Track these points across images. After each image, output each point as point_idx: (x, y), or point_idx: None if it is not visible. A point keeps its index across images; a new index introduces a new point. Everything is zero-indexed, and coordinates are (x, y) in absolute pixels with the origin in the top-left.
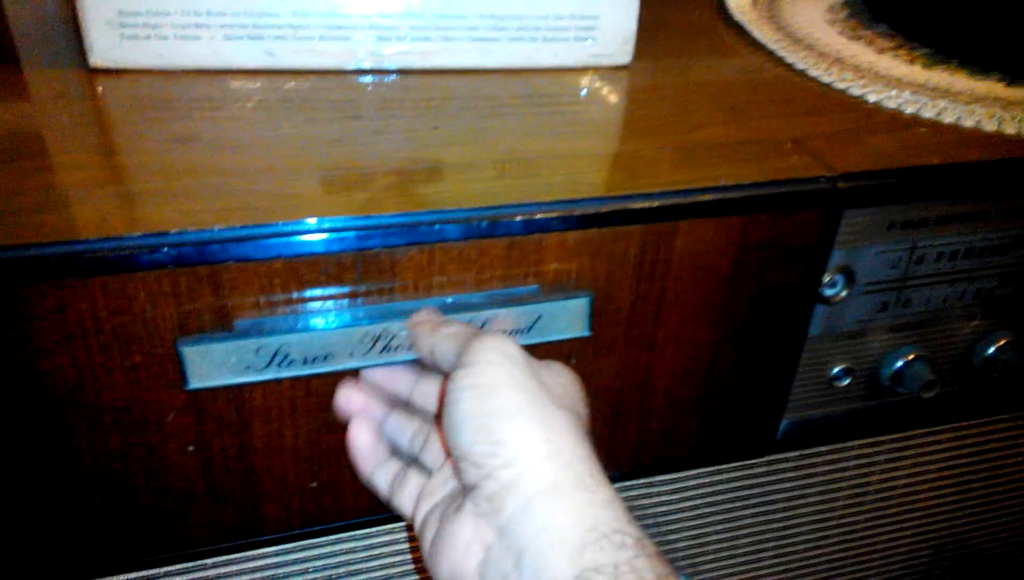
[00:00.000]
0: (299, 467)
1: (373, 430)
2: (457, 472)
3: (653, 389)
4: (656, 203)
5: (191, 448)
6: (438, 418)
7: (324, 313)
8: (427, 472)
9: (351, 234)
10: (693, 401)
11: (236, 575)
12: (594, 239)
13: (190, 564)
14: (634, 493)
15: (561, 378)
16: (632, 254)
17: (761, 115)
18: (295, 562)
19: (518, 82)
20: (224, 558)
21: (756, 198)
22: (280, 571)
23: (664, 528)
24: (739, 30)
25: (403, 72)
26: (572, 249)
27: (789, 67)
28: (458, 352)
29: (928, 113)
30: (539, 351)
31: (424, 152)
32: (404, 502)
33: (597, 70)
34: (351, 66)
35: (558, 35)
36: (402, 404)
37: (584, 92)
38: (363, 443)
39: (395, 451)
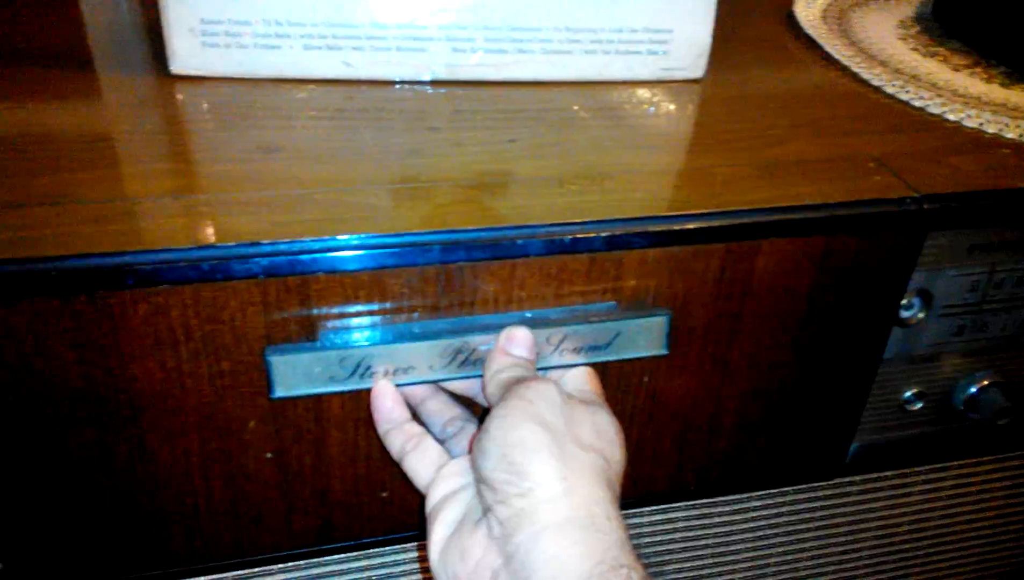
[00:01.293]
0: (371, 477)
1: (393, 394)
2: (479, 494)
3: (724, 408)
4: (741, 221)
5: (269, 455)
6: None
7: (407, 325)
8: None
9: (435, 248)
10: (763, 421)
11: None
12: (675, 256)
13: (258, 570)
14: (694, 512)
15: (598, 420)
16: (712, 272)
17: (840, 131)
18: (359, 570)
19: (591, 95)
20: (292, 564)
21: (842, 218)
22: (345, 578)
23: (723, 549)
24: (810, 43)
25: (477, 83)
26: (652, 266)
27: (864, 83)
28: (503, 392)
29: (1010, 134)
30: (613, 368)
31: (501, 165)
32: (417, 466)
33: (670, 83)
34: (426, 77)
35: (631, 48)
36: (448, 393)
37: (658, 106)
38: (382, 405)
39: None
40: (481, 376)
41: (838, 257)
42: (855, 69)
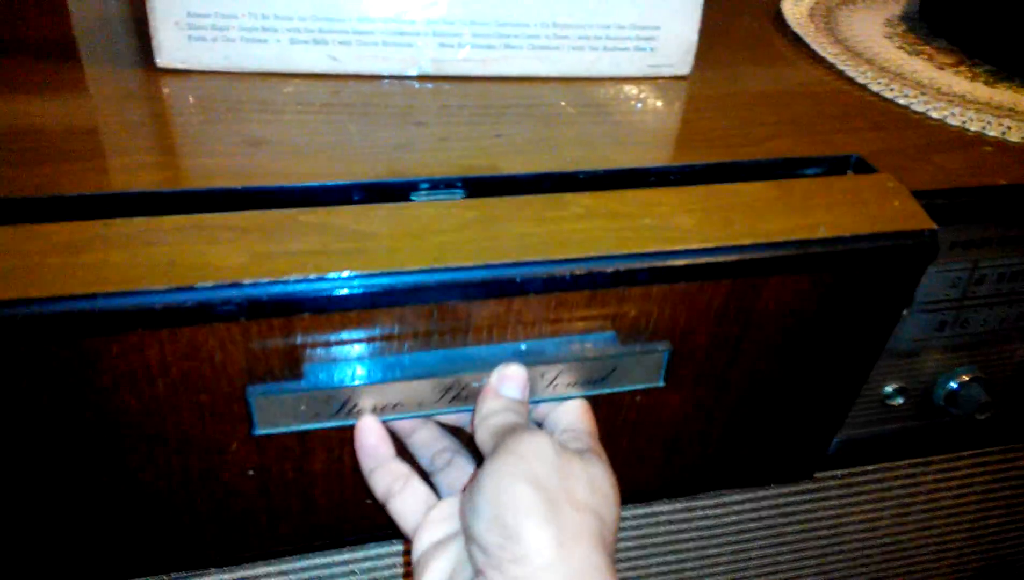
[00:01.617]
0: (356, 488)
1: (379, 431)
2: (469, 554)
3: (715, 419)
4: (752, 256)
5: (251, 472)
6: (464, 491)
7: (396, 359)
8: (438, 492)
9: (431, 288)
10: (753, 427)
11: (286, 574)
12: (678, 289)
13: (247, 564)
14: (678, 506)
15: (593, 474)
16: (716, 304)
17: (826, 129)
18: (343, 563)
19: (578, 91)
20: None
21: (861, 252)
22: (326, 571)
23: (706, 543)
24: (797, 41)
25: (464, 79)
26: (654, 297)
27: (850, 80)
28: (495, 442)
29: (993, 132)
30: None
31: (488, 160)
32: (403, 509)
33: (657, 80)
34: (413, 72)
35: (619, 44)
36: (439, 424)
37: (644, 102)
38: (366, 442)
39: (414, 461)
40: (472, 411)
41: (847, 284)
42: (841, 67)
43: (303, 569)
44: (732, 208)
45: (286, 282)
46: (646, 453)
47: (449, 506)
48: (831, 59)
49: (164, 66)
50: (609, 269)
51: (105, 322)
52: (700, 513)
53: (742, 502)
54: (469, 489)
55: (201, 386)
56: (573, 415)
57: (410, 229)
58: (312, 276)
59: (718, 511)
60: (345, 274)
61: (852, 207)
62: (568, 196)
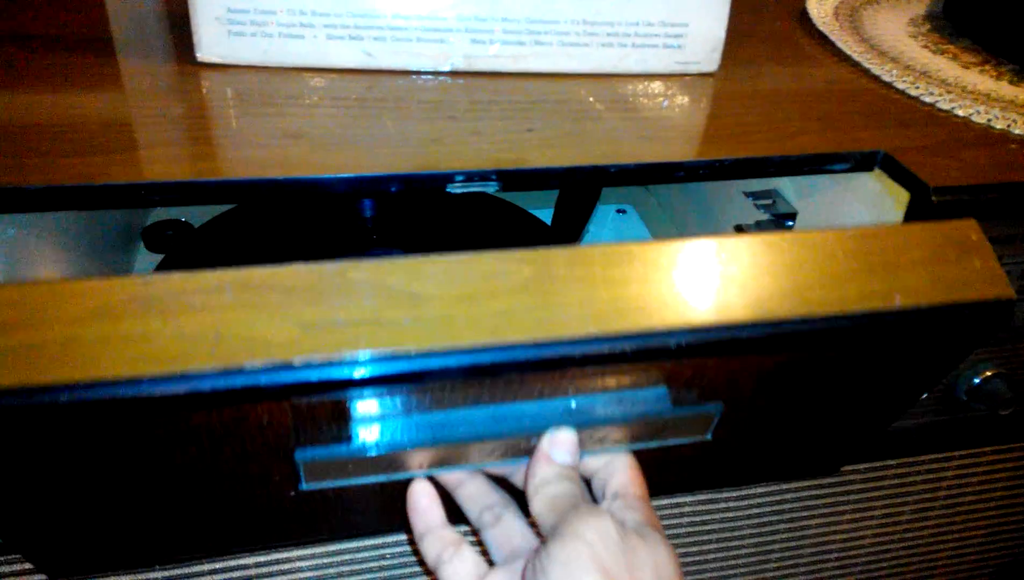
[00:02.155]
0: (397, 496)
1: (430, 493)
2: None
3: (752, 445)
4: (823, 330)
5: (292, 494)
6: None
7: (444, 419)
8: (487, 556)
9: (485, 364)
10: (789, 441)
11: (316, 556)
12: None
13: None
14: (701, 498)
15: (658, 558)
16: (777, 366)
17: (852, 125)
18: (372, 547)
19: (606, 87)
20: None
21: (930, 323)
22: (357, 555)
23: (728, 534)
24: (822, 40)
25: (495, 75)
26: (711, 362)
27: (875, 79)
28: (555, 521)
29: (1018, 130)
30: None
31: (520, 153)
32: (453, 578)
33: (684, 77)
34: (445, 68)
35: (647, 42)
36: (486, 476)
37: (672, 99)
38: (418, 503)
39: (462, 519)
40: (519, 462)
41: (907, 344)
42: (866, 65)
43: (334, 552)
44: (807, 265)
45: (338, 364)
46: (676, 461)
47: (501, 573)
48: (856, 57)
49: (204, 60)
50: (672, 345)
51: (150, 405)
52: (723, 505)
53: (765, 495)
54: (533, 571)
55: (248, 443)
56: (624, 477)
57: (465, 291)
58: (365, 357)
59: (741, 503)
60: (399, 353)
61: (931, 267)
62: (633, 247)
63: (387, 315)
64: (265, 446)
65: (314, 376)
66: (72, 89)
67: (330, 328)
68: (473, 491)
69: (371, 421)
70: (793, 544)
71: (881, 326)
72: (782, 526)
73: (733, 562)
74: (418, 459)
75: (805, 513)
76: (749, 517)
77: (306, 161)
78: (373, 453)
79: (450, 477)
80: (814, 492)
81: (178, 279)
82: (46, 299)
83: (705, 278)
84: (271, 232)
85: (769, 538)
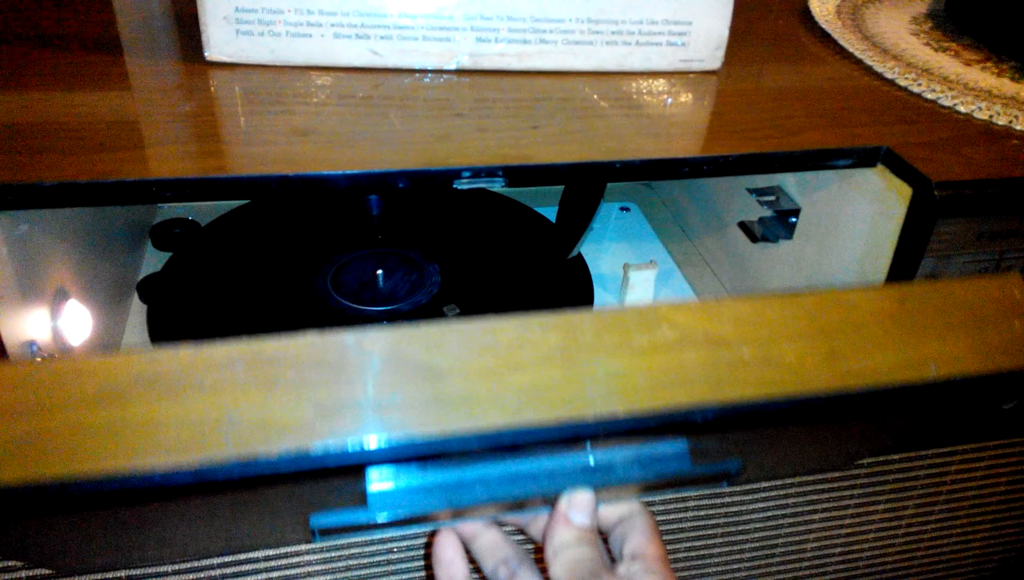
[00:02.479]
0: None
1: (455, 545)
2: None
3: (768, 467)
4: (851, 402)
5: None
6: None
7: (459, 480)
8: None
9: (507, 443)
10: (801, 460)
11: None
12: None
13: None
14: (705, 492)
15: None
16: (799, 428)
17: (855, 122)
18: (380, 541)
19: (610, 85)
20: None
21: (963, 392)
22: (366, 548)
23: (733, 529)
24: (824, 38)
25: (500, 73)
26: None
27: (878, 76)
28: None
29: (1020, 126)
30: None
31: (526, 150)
32: None
33: (688, 75)
34: (451, 66)
35: (651, 40)
36: (501, 528)
37: (676, 96)
38: (443, 555)
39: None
40: (535, 516)
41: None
42: (869, 63)
43: (343, 547)
44: (839, 331)
45: (356, 450)
46: None
47: None
48: (858, 55)
49: (212, 59)
50: (699, 420)
51: (161, 493)
52: (728, 499)
53: (769, 488)
54: None
55: (259, 517)
56: (643, 538)
57: (488, 364)
58: (383, 442)
59: (745, 498)
60: (418, 438)
61: (969, 331)
62: (663, 310)
63: (405, 394)
64: (278, 516)
65: (331, 462)
66: (83, 88)
67: (347, 410)
68: (488, 543)
69: (388, 490)
70: (797, 538)
71: (915, 397)
72: (786, 520)
73: (737, 555)
74: (433, 517)
75: (809, 507)
76: (753, 511)
77: (314, 158)
78: (388, 518)
79: (464, 528)
80: (818, 487)
81: (186, 355)
82: (48, 381)
83: (736, 345)
84: (276, 231)
85: (773, 532)
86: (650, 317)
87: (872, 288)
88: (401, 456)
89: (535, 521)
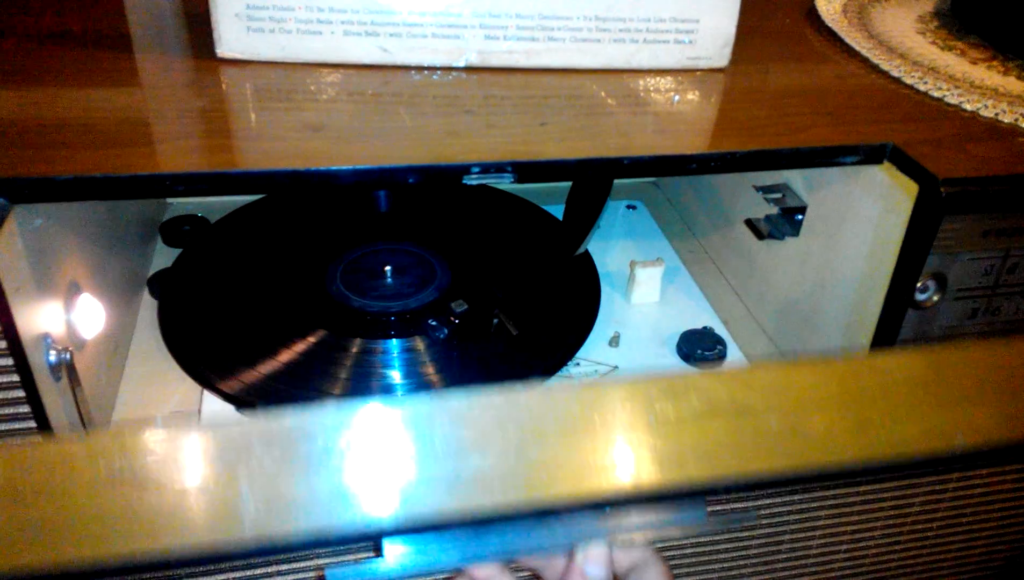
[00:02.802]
0: None
1: None
2: None
3: None
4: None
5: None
6: None
7: (474, 537)
8: None
9: (522, 517)
10: None
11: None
12: None
13: None
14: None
15: None
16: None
17: (861, 120)
18: None
19: (617, 82)
20: None
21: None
22: None
23: (736, 544)
24: (831, 37)
25: (508, 70)
26: None
27: (884, 74)
28: None
29: None
30: None
31: (536, 146)
32: None
33: (695, 72)
34: (460, 63)
35: (658, 37)
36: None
37: (683, 93)
38: None
39: None
40: (550, 561)
41: None
42: (875, 61)
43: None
44: (869, 398)
45: (375, 533)
46: None
47: None
48: (865, 53)
49: (224, 56)
50: (720, 486)
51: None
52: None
53: (769, 506)
54: None
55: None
56: None
57: (509, 437)
58: (401, 523)
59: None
60: (437, 522)
61: (1001, 398)
62: (691, 379)
63: (426, 470)
64: (296, 571)
65: (348, 539)
66: (95, 84)
67: (366, 490)
68: None
69: (404, 553)
70: (802, 539)
71: (942, 465)
72: (792, 517)
73: (742, 555)
74: (447, 569)
75: (815, 504)
76: (758, 509)
77: (326, 153)
78: (404, 572)
79: (479, 572)
80: (823, 483)
81: (203, 433)
82: (62, 462)
83: (764, 414)
84: (285, 227)
85: (778, 529)
86: (677, 386)
87: (904, 352)
88: (418, 529)
89: (551, 565)
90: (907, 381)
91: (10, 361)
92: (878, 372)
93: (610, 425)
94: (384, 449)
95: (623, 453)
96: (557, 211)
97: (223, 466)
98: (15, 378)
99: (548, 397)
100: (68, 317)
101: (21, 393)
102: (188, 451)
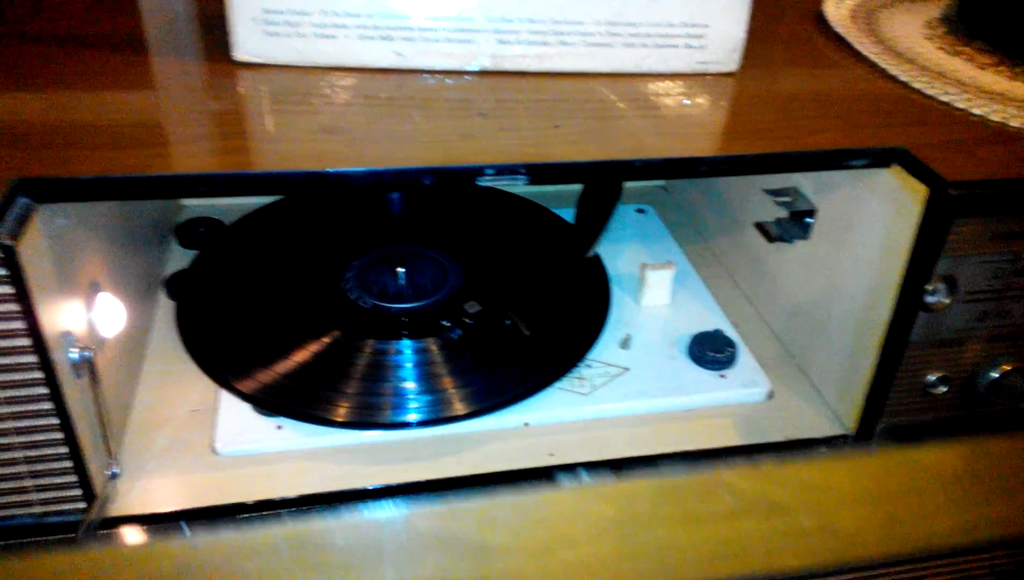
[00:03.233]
0: None
1: None
2: None
3: None
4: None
5: None
6: None
7: None
8: None
9: None
10: None
11: None
12: None
13: None
14: None
15: None
16: None
17: (871, 124)
18: None
19: (628, 86)
20: None
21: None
22: None
23: None
24: (839, 42)
25: (520, 74)
26: None
27: (892, 79)
28: None
29: None
30: None
31: (548, 149)
32: None
33: (705, 76)
34: (473, 67)
35: (669, 42)
36: None
37: (693, 97)
38: None
39: None
40: None
41: None
42: (883, 66)
43: None
44: (901, 496)
45: None
46: None
47: None
48: (873, 58)
49: (240, 59)
50: None
51: None
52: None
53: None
54: None
55: None
56: None
57: (539, 539)
58: None
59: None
60: None
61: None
62: (724, 475)
63: (455, 574)
64: None
65: None
66: (115, 87)
67: None
68: None
69: None
70: None
71: (965, 554)
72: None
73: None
74: None
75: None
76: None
77: (341, 155)
78: None
79: None
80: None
81: (229, 541)
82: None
83: (795, 512)
84: (300, 229)
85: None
86: (710, 484)
87: (937, 447)
88: None
89: None
90: (938, 476)
91: (34, 358)
92: (911, 465)
93: (640, 526)
94: (412, 552)
95: (651, 554)
96: (568, 215)
97: (250, 574)
98: (39, 375)
99: (579, 496)
100: (89, 316)
101: (44, 390)
102: (213, 554)
